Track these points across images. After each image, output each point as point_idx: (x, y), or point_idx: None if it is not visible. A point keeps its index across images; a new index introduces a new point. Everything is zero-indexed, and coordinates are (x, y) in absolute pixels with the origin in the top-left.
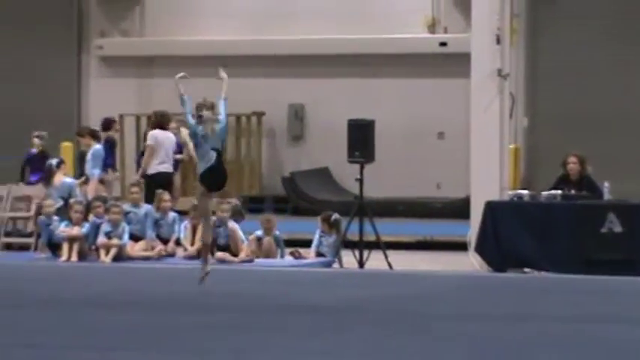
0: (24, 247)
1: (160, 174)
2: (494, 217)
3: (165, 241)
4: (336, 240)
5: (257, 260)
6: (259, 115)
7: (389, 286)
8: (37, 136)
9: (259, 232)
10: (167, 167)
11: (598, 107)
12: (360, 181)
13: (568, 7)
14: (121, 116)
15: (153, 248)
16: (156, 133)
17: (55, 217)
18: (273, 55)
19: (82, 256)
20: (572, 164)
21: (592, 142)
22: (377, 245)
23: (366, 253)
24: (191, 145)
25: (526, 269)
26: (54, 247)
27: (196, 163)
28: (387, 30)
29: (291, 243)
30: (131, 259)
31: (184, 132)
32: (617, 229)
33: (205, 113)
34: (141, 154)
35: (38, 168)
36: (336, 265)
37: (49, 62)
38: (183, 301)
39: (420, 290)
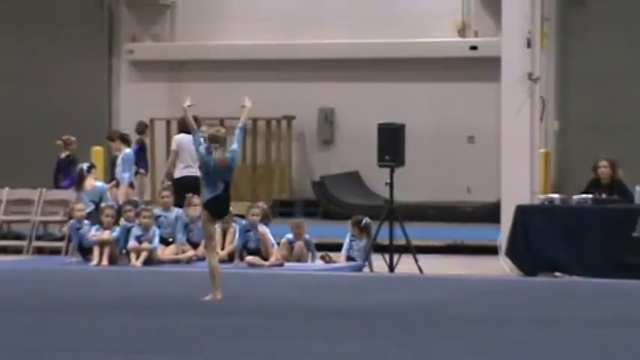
0: (55, 251)
1: (185, 178)
2: (525, 221)
3: (195, 245)
4: (367, 244)
5: (287, 264)
6: (289, 119)
7: (419, 290)
8: (63, 141)
9: (290, 236)
10: (193, 171)
11: (629, 111)
12: (390, 185)
13: (598, 10)
14: (152, 120)
15: (183, 252)
16: (180, 138)
17: (86, 222)
18: (303, 59)
19: (112, 260)
20: (603, 168)
21: (623, 145)
22: (407, 249)
23: (396, 257)
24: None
25: (557, 273)
26: (85, 251)
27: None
28: (418, 34)
29: (322, 247)
30: (162, 262)
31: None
32: None
33: (216, 155)
34: None
35: (67, 172)
36: (366, 270)
37: (79, 67)
38: (213, 305)
39: (451, 294)
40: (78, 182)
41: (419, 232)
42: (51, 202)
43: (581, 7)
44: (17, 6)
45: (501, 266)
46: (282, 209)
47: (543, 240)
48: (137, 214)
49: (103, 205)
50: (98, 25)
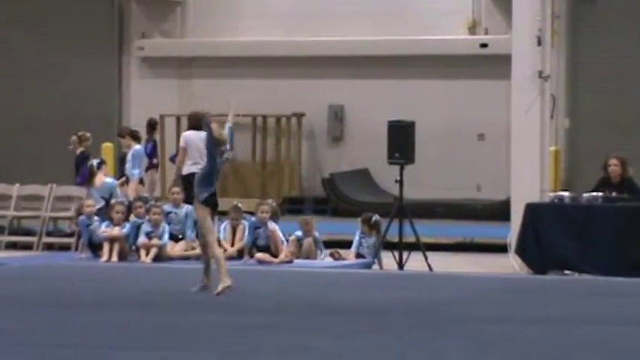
0: (65, 247)
1: (193, 174)
2: (535, 219)
3: None
4: (376, 241)
5: (296, 261)
6: (299, 116)
7: (428, 288)
8: (78, 137)
9: (299, 233)
10: (199, 168)
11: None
12: (400, 182)
13: (609, 8)
14: (162, 117)
15: (193, 249)
16: (187, 134)
17: (96, 218)
18: (313, 56)
19: (122, 257)
20: (614, 166)
21: (633, 143)
22: (417, 247)
23: (405, 254)
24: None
25: (567, 271)
26: (94, 247)
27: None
28: (428, 31)
29: (331, 244)
30: (171, 259)
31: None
32: None
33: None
34: (175, 155)
35: (81, 169)
36: (375, 267)
37: (90, 63)
38: (223, 302)
39: (460, 292)
40: (88, 178)
41: (428, 230)
42: (61, 198)
43: (591, 5)
44: (28, 3)
45: (511, 264)
46: (292, 206)
47: (553, 238)
48: (147, 211)
49: (113, 201)
50: (108, 22)
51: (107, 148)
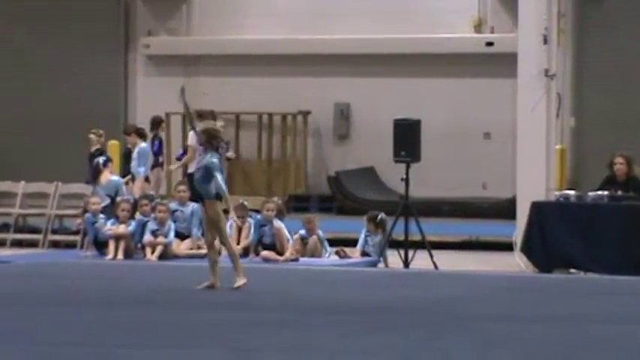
0: (71, 245)
1: None
2: (541, 218)
3: None
4: (382, 239)
5: (302, 259)
6: (305, 114)
7: (434, 286)
8: (94, 133)
9: (303, 232)
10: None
11: None
12: (406, 180)
13: (614, 7)
14: (167, 115)
15: (199, 247)
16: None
17: (101, 215)
18: (320, 54)
19: (128, 255)
20: (619, 165)
21: (639, 142)
22: (422, 245)
23: (411, 252)
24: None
25: (572, 270)
26: (100, 245)
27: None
28: (434, 30)
29: (337, 242)
30: (177, 257)
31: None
32: None
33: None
34: (182, 153)
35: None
36: (381, 265)
37: (96, 61)
38: (228, 300)
39: (466, 290)
40: (94, 176)
41: (434, 228)
42: (66, 196)
43: (597, 4)
44: (33, 1)
45: (516, 262)
46: (298, 204)
47: (559, 237)
48: (153, 209)
49: (119, 199)
50: (114, 20)
51: (113, 145)
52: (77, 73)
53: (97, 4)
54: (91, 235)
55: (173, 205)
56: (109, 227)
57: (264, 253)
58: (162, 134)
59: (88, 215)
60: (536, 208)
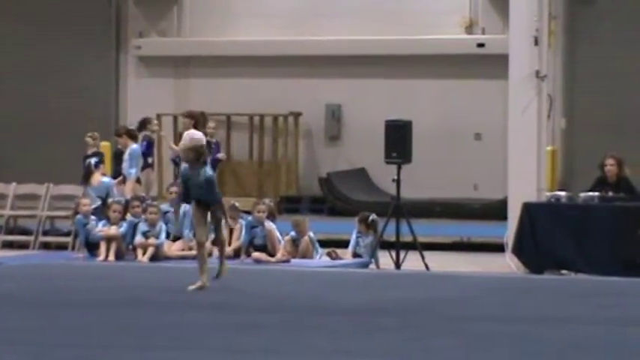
0: (62, 247)
1: None
2: (532, 219)
3: None
4: (373, 241)
5: (293, 260)
6: (296, 115)
7: (425, 287)
8: (90, 137)
9: (293, 233)
10: None
11: (636, 109)
12: (397, 181)
13: (606, 8)
14: (159, 116)
15: (190, 248)
16: (192, 133)
17: (93, 217)
18: (311, 55)
19: (119, 256)
20: (610, 166)
21: (630, 143)
22: (414, 246)
23: (402, 254)
24: None
25: (563, 271)
26: (91, 246)
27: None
28: (425, 31)
29: (328, 243)
30: (168, 258)
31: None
32: None
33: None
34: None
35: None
36: (372, 266)
37: (87, 62)
38: (219, 301)
39: (457, 292)
40: (85, 177)
41: (425, 229)
42: (57, 197)
43: (588, 6)
44: (25, 2)
45: (508, 264)
46: (289, 205)
47: (550, 238)
48: (144, 210)
49: (110, 200)
50: (106, 21)
51: (104, 147)
52: (68, 73)
53: (88, 5)
54: (82, 236)
55: (165, 207)
56: (100, 229)
57: (256, 254)
58: (154, 135)
59: (79, 217)
60: (528, 209)
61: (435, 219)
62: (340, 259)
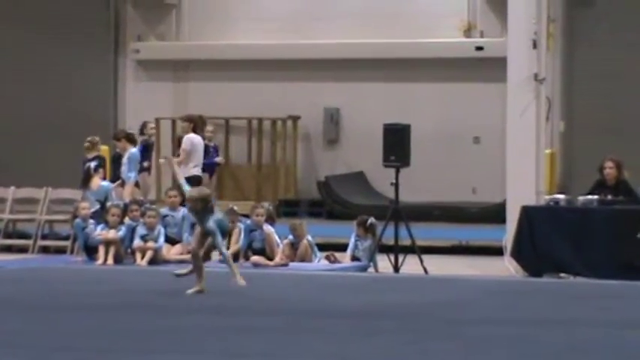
0: (60, 251)
1: (194, 177)
2: (530, 222)
3: None
4: (372, 244)
5: (292, 264)
6: (295, 118)
7: (424, 291)
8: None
9: (292, 237)
10: (199, 170)
11: (635, 112)
12: (396, 185)
13: (605, 11)
14: (157, 120)
15: (189, 252)
16: (192, 137)
17: (91, 221)
18: (309, 58)
19: (118, 260)
20: (609, 169)
21: (629, 146)
22: (412, 250)
23: (401, 257)
24: None
25: (562, 274)
26: (90, 250)
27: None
28: (423, 34)
29: (326, 247)
30: (167, 262)
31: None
32: None
33: None
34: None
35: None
36: (371, 270)
37: (85, 66)
38: (217, 304)
39: (456, 295)
40: (84, 181)
41: (424, 233)
42: (56, 201)
43: (587, 8)
44: (24, 6)
45: (506, 267)
46: (287, 209)
47: (548, 241)
48: (142, 214)
49: (108, 204)
50: (104, 25)
51: (103, 151)
52: (66, 77)
53: (86, 9)
54: (80, 240)
55: (164, 210)
56: (99, 232)
57: (254, 258)
58: (151, 139)
59: (77, 220)
60: (526, 212)
61: (433, 222)
62: (339, 262)
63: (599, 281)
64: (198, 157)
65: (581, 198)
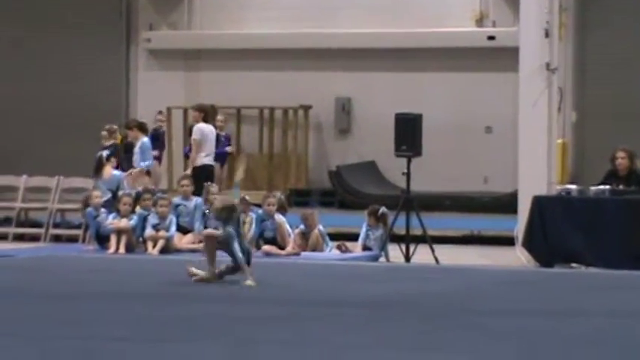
0: (72, 239)
1: (204, 166)
2: (542, 212)
3: None
4: (383, 234)
5: (303, 254)
6: (306, 108)
7: (435, 280)
8: (107, 130)
9: (303, 227)
10: (211, 159)
11: None
12: (407, 175)
13: (617, 0)
14: (169, 109)
15: (201, 241)
16: (202, 127)
17: (103, 210)
18: (321, 48)
19: (129, 249)
20: (621, 159)
21: None
22: (423, 239)
23: (412, 247)
24: None
25: (573, 264)
26: (102, 239)
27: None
28: (435, 23)
29: (338, 236)
30: (178, 251)
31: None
32: None
33: None
34: (189, 149)
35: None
36: (382, 259)
37: (97, 55)
38: (228, 293)
39: (467, 285)
40: (96, 170)
41: (435, 223)
42: (68, 190)
43: None
44: None
45: (518, 257)
46: (299, 198)
47: (560, 231)
48: (154, 203)
49: (121, 193)
50: (116, 14)
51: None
52: (78, 67)
53: None
54: (92, 229)
55: (176, 200)
56: (111, 221)
57: (266, 247)
58: (162, 128)
59: (89, 209)
60: (538, 202)
61: (445, 212)
62: (350, 252)
63: (610, 271)
64: (210, 146)
65: (593, 188)
